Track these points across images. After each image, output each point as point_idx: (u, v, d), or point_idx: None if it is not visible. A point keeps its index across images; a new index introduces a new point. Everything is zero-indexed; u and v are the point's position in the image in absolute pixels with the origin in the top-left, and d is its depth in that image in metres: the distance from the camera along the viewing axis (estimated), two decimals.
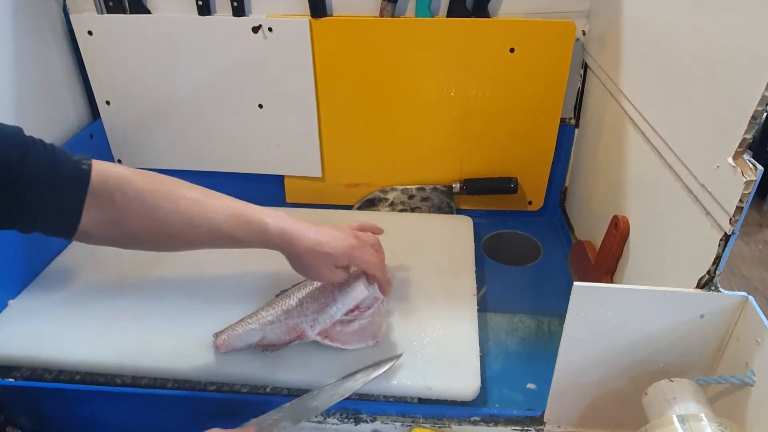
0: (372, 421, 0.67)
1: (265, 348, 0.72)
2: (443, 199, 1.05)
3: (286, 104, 0.99)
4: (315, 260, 0.65)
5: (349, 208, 1.08)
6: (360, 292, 0.70)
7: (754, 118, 0.47)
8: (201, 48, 0.95)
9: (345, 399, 0.68)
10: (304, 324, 0.70)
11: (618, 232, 0.75)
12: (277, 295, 0.78)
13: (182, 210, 0.61)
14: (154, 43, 0.95)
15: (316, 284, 0.75)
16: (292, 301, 0.73)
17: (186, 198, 0.62)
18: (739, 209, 0.49)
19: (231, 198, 0.65)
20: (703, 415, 0.51)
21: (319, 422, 0.67)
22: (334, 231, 0.68)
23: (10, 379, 0.72)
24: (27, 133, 0.56)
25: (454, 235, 0.95)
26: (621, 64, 0.78)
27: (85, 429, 0.77)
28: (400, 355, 0.70)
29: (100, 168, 0.59)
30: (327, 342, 0.71)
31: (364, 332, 0.73)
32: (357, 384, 0.66)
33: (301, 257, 0.65)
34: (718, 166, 0.52)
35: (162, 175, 0.63)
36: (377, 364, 0.69)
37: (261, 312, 0.73)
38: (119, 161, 1.08)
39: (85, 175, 0.57)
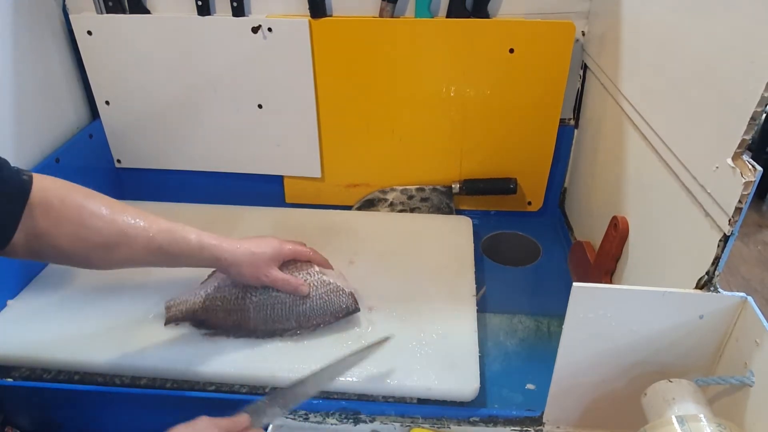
0: (371, 422, 0.66)
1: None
2: (443, 200, 1.05)
3: (286, 104, 0.99)
4: (251, 266, 0.70)
5: (349, 208, 1.08)
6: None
7: (753, 119, 0.47)
8: (201, 48, 0.95)
9: (345, 399, 0.68)
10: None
11: (617, 232, 0.75)
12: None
13: (119, 221, 0.61)
14: (154, 43, 0.95)
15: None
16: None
17: (125, 211, 0.62)
18: (738, 210, 0.49)
19: (166, 219, 0.66)
20: (702, 415, 0.51)
21: (318, 422, 0.67)
22: (256, 239, 0.72)
23: (10, 379, 0.72)
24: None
25: (453, 236, 0.95)
26: (620, 65, 0.78)
27: (84, 429, 0.77)
28: (388, 338, 0.70)
29: (40, 179, 0.59)
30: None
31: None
32: (345, 366, 0.66)
33: (236, 266, 0.69)
34: (717, 167, 0.52)
35: (102, 195, 0.63)
36: (365, 348, 0.68)
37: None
38: (119, 161, 1.08)
39: (27, 185, 0.57)
